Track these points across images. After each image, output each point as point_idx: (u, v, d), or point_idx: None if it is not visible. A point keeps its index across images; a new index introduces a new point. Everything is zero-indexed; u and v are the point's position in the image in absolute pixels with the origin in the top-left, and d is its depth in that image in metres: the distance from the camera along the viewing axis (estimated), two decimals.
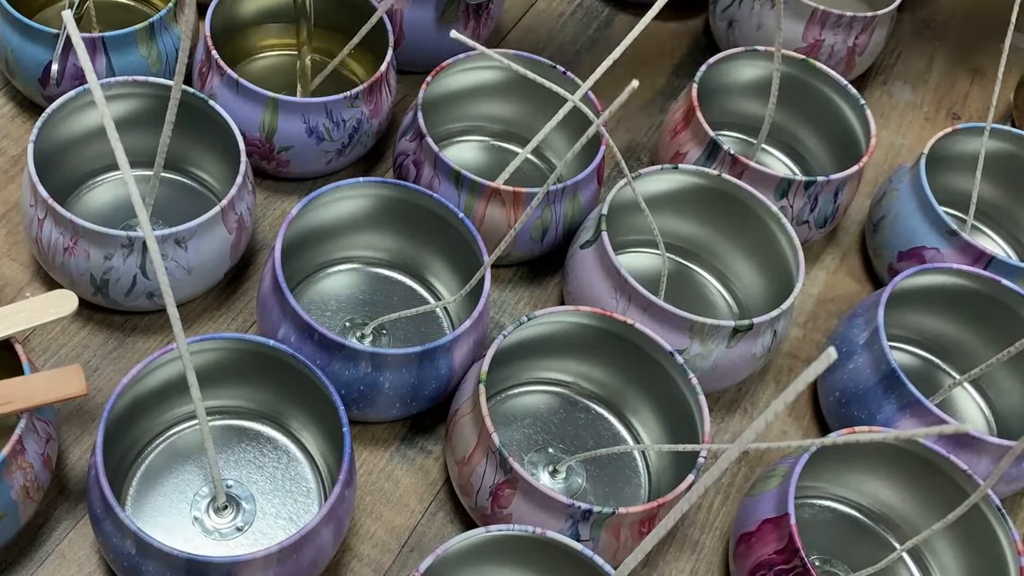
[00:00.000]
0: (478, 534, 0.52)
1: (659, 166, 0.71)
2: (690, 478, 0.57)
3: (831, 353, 0.33)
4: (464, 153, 0.80)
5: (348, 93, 0.70)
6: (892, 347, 0.65)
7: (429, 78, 0.72)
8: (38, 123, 0.64)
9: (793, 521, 0.56)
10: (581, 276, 0.68)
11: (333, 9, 0.77)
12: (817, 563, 0.64)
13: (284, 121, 0.70)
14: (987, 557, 0.60)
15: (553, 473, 0.64)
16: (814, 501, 0.67)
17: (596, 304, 0.66)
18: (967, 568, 0.62)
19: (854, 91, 0.79)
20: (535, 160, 0.80)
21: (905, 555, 0.65)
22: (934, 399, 0.66)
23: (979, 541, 0.60)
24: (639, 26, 0.55)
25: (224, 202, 0.63)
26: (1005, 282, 0.69)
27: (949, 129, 0.77)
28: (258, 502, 0.61)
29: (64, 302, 0.57)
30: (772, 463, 0.65)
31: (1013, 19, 0.74)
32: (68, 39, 0.70)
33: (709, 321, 0.63)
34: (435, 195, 0.66)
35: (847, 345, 0.68)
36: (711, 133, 0.74)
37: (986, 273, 0.70)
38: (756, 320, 0.64)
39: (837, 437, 0.39)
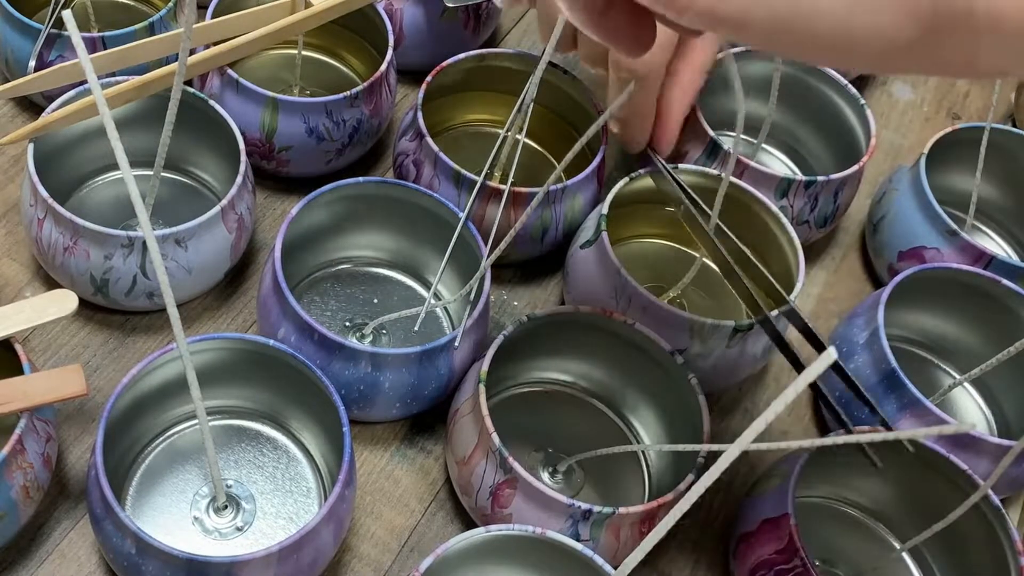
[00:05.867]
0: (478, 534, 0.52)
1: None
2: (690, 478, 0.57)
3: (831, 353, 0.32)
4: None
5: (348, 93, 0.70)
6: (892, 347, 0.65)
7: (429, 78, 0.72)
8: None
9: (793, 521, 0.56)
10: (581, 276, 0.68)
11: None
12: (817, 563, 0.64)
13: (284, 121, 0.70)
14: (987, 558, 0.60)
15: (553, 473, 0.64)
16: (815, 501, 0.67)
17: (596, 304, 0.66)
18: (967, 568, 0.62)
19: (854, 91, 0.79)
20: (545, 155, 0.80)
21: (905, 555, 0.65)
22: (934, 399, 0.66)
23: (980, 542, 0.60)
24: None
25: (224, 202, 0.63)
26: (1005, 282, 0.69)
27: (949, 129, 0.77)
28: (258, 502, 0.61)
29: (64, 302, 0.57)
30: (772, 463, 0.65)
31: None
32: (49, 35, 0.70)
33: (709, 321, 0.63)
34: (435, 195, 0.66)
35: (847, 345, 0.68)
36: (711, 133, 0.74)
37: (986, 273, 0.70)
38: (757, 319, 0.64)
39: (837, 438, 0.39)
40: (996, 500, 0.59)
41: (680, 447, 0.55)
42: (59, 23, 0.71)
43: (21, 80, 0.66)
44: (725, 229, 0.66)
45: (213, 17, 0.72)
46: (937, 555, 0.64)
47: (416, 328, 0.67)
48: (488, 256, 0.61)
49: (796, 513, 0.56)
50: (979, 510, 0.59)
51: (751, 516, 0.60)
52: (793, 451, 0.63)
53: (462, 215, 0.65)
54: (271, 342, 0.58)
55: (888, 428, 0.61)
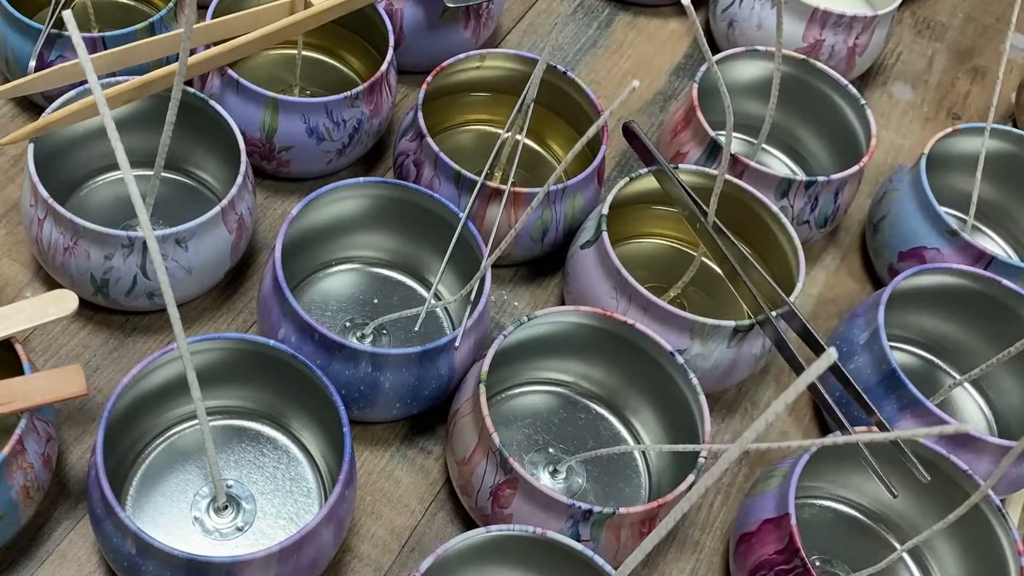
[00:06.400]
0: (478, 534, 0.52)
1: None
2: (690, 478, 0.57)
3: (831, 353, 0.32)
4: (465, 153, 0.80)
5: (348, 93, 0.70)
6: (892, 347, 0.65)
7: (429, 78, 0.72)
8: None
9: (794, 521, 0.56)
10: (581, 276, 0.68)
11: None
12: (817, 563, 0.64)
13: (284, 121, 0.70)
14: (987, 558, 0.60)
15: (553, 473, 0.64)
16: (814, 501, 0.67)
17: (596, 304, 0.66)
18: (967, 568, 0.62)
19: (854, 91, 0.79)
20: (547, 156, 0.80)
21: (906, 555, 0.65)
22: (934, 399, 0.66)
23: (980, 542, 0.60)
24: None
25: (224, 202, 0.63)
26: (1005, 282, 0.69)
27: (949, 129, 0.77)
28: (258, 502, 0.61)
29: (64, 302, 0.57)
30: (772, 463, 0.65)
31: (1013, 19, 0.74)
32: (49, 35, 0.70)
33: (710, 321, 0.63)
34: (435, 195, 0.66)
35: (847, 345, 0.68)
36: (712, 133, 0.74)
37: (986, 273, 0.70)
38: (757, 319, 0.64)
39: (837, 437, 0.39)
40: (996, 500, 0.59)
41: (680, 447, 0.55)
42: (59, 23, 0.71)
43: (21, 80, 0.66)
44: (723, 228, 0.66)
45: (213, 17, 0.72)
46: (937, 555, 0.64)
47: (416, 328, 0.67)
48: (488, 256, 0.61)
49: (796, 513, 0.56)
50: (979, 510, 0.59)
51: (751, 516, 0.60)
52: (793, 451, 0.63)
53: (462, 215, 0.65)
54: (271, 342, 0.58)
55: (884, 428, 0.61)
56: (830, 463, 0.64)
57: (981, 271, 0.70)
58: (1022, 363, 0.70)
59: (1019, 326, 0.69)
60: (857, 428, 0.63)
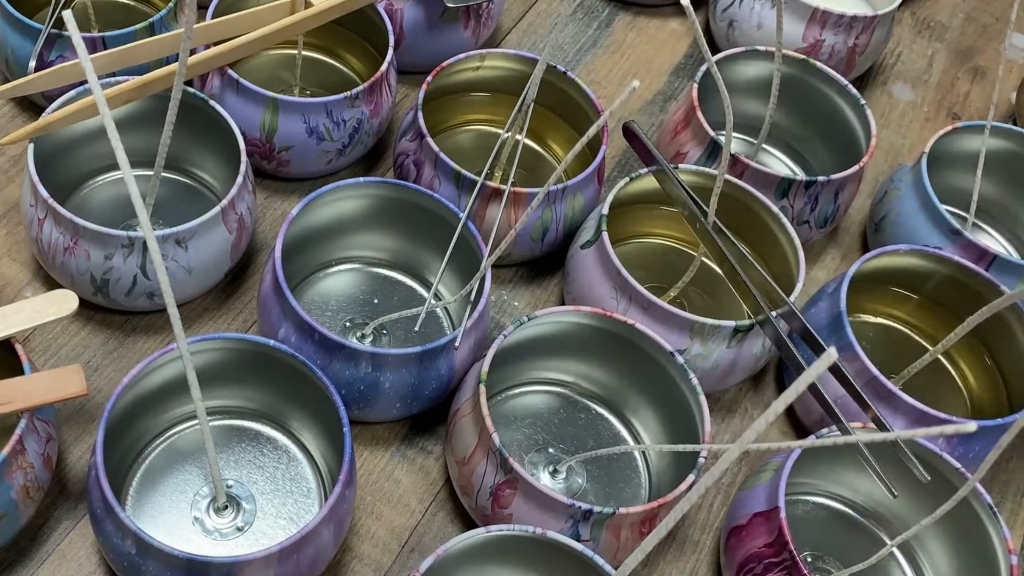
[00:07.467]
0: (478, 534, 0.52)
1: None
2: (691, 478, 0.57)
3: (832, 353, 0.32)
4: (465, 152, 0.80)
5: (348, 93, 0.70)
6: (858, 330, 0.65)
7: (429, 78, 0.72)
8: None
9: (783, 515, 0.56)
10: (581, 276, 0.68)
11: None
12: (809, 559, 0.64)
13: (284, 121, 0.70)
14: (978, 554, 0.60)
15: (553, 473, 0.64)
16: (807, 497, 0.67)
17: (596, 304, 0.66)
18: (958, 565, 0.62)
19: (854, 91, 0.79)
20: (547, 158, 0.80)
21: (897, 552, 0.65)
22: (896, 380, 0.67)
23: (970, 538, 0.60)
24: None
25: (224, 202, 0.63)
26: (962, 260, 0.69)
27: (950, 127, 0.78)
28: (258, 502, 0.61)
29: (64, 302, 0.57)
30: (766, 458, 0.65)
31: (1013, 19, 0.74)
32: (49, 35, 0.70)
33: (710, 321, 0.63)
34: (435, 195, 0.66)
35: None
36: (712, 133, 0.74)
37: (945, 254, 0.70)
38: (757, 319, 0.64)
39: (837, 438, 0.39)
40: (987, 497, 0.59)
41: (680, 447, 0.55)
42: (59, 23, 0.71)
43: (21, 80, 0.66)
44: (723, 228, 0.66)
45: (213, 17, 0.72)
46: (929, 552, 0.64)
47: (416, 328, 0.67)
48: (488, 256, 0.61)
49: (788, 509, 0.56)
50: (970, 507, 0.59)
51: (742, 510, 0.60)
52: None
53: (462, 215, 0.65)
54: (271, 342, 0.58)
55: (882, 427, 0.61)
56: (823, 460, 0.64)
57: (939, 251, 0.70)
58: (989, 340, 0.70)
59: (979, 304, 0.69)
60: (855, 426, 0.63)
